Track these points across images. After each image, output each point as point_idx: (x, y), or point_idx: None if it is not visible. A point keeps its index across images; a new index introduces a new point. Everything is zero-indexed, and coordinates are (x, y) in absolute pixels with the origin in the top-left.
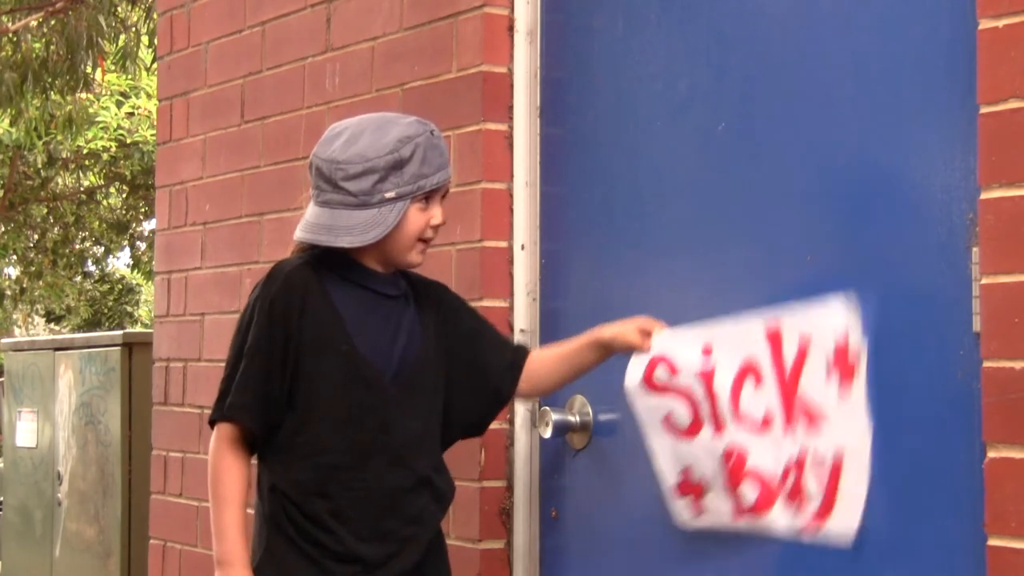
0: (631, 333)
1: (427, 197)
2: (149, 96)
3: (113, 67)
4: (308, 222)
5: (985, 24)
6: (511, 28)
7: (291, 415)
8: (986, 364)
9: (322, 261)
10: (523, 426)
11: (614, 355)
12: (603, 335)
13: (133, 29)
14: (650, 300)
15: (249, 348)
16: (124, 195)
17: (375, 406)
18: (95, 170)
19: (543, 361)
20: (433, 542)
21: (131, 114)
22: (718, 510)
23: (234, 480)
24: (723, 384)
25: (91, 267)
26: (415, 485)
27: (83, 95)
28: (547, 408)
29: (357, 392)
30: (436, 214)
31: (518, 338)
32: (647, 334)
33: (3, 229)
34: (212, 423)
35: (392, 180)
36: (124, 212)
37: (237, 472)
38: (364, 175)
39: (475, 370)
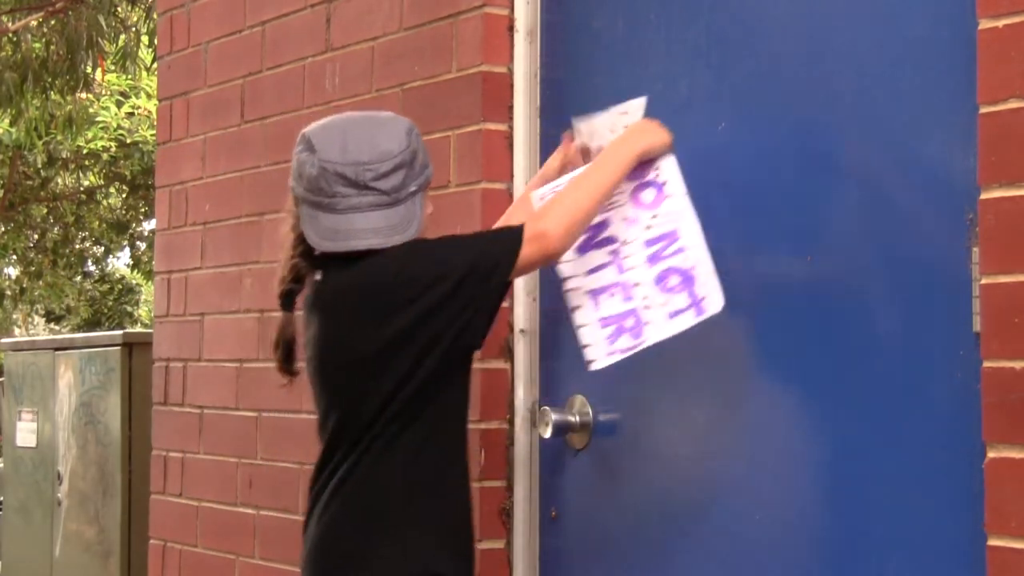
0: None
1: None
2: (149, 96)
3: (113, 67)
4: (352, 229)
5: (985, 24)
6: (511, 28)
7: None
8: (986, 364)
9: None
10: (523, 426)
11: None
12: None
13: (133, 29)
14: None
15: None
16: (124, 195)
17: None
18: (95, 170)
19: None
20: None
21: (131, 114)
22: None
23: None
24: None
25: (91, 267)
26: None
27: (83, 95)
28: (547, 408)
29: None
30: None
31: (518, 338)
32: None
33: (3, 229)
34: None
35: (411, 173)
36: (124, 212)
37: None
38: (395, 171)
39: None
